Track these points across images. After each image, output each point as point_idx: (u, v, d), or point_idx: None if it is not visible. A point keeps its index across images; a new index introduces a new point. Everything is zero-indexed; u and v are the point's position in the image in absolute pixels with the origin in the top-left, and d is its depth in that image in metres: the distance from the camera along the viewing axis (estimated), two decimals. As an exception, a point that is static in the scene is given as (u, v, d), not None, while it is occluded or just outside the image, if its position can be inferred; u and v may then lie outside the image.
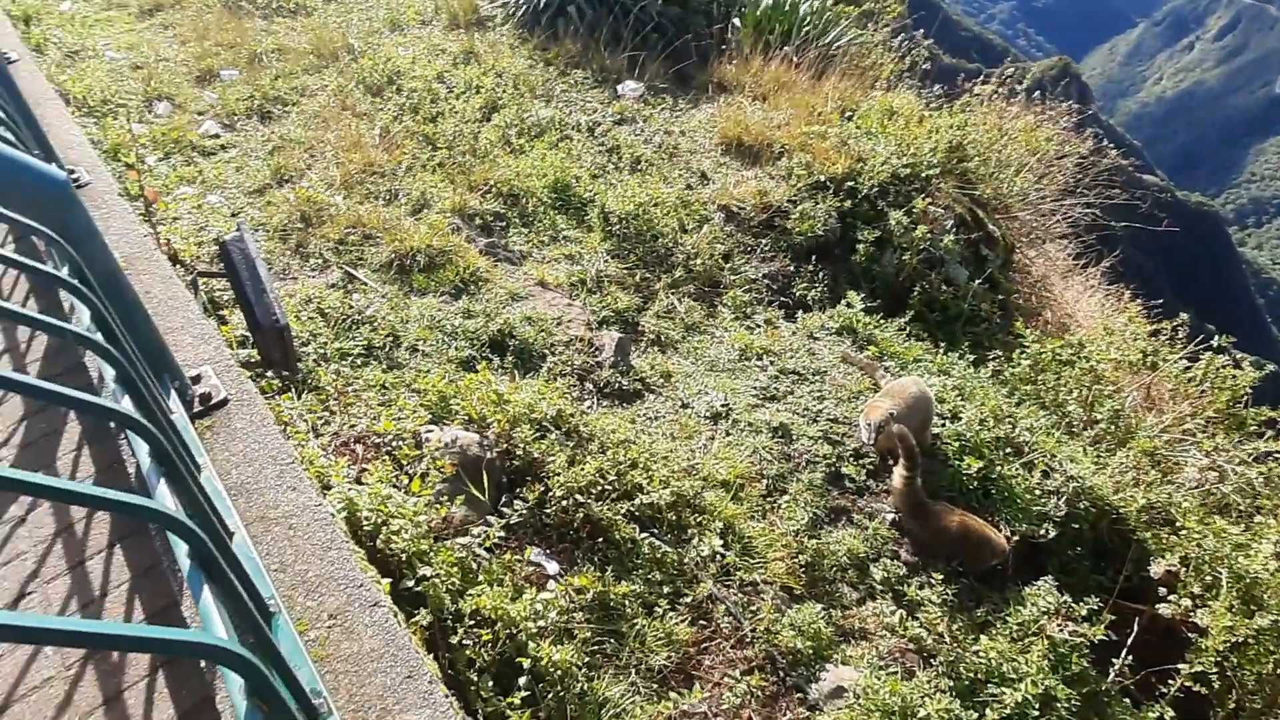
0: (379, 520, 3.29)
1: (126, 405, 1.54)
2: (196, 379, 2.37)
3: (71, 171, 3.77)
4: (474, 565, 3.48)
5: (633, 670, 3.62)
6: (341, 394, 4.44)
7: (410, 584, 3.18)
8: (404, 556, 3.26)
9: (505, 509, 3.79)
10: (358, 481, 3.60)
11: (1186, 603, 4.57)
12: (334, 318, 4.96)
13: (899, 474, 4.60)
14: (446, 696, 1.62)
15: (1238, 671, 4.60)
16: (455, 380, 4.54)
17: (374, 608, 1.76)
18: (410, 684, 1.62)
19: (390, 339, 4.95)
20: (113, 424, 2.40)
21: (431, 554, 3.31)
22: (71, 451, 2.59)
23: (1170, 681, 4.23)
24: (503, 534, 3.59)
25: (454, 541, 3.47)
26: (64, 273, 1.72)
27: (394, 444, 4.00)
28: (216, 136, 7.09)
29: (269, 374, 4.19)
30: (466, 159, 6.75)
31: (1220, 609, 4.44)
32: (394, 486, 3.62)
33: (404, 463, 3.86)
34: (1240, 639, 4.40)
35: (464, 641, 3.13)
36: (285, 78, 7.96)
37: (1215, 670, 4.31)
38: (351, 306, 5.10)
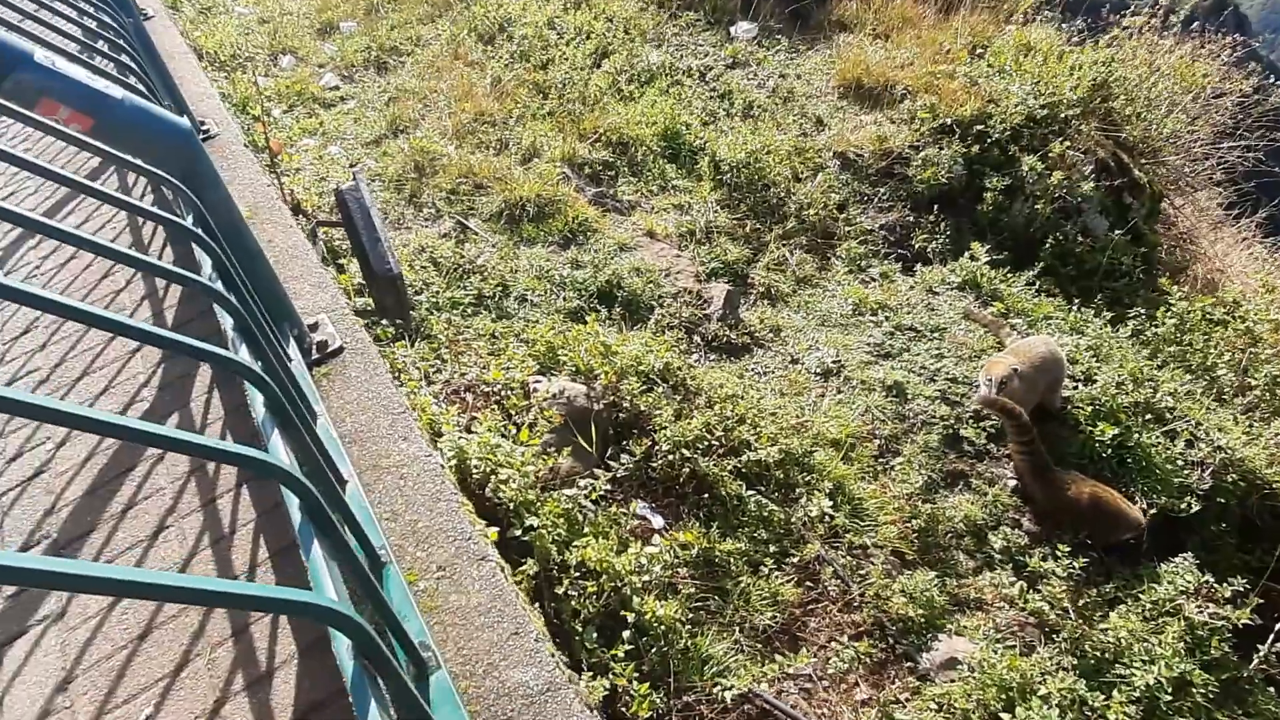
0: (488, 469, 3.32)
1: (244, 354, 1.55)
2: (314, 327, 2.41)
3: (202, 124, 3.91)
4: (580, 517, 3.49)
5: (736, 629, 3.57)
6: (453, 343, 4.51)
7: (518, 533, 3.21)
8: (511, 506, 3.29)
9: (612, 461, 3.78)
10: (467, 430, 3.65)
11: (1349, 590, 4.17)
12: (446, 267, 5.03)
13: (1011, 441, 4.36)
14: (552, 655, 1.60)
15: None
16: (563, 331, 4.53)
17: (481, 561, 1.76)
18: (516, 641, 1.61)
19: (500, 288, 4.99)
20: (238, 370, 2.48)
21: (539, 504, 3.33)
22: (203, 395, 2.72)
23: (1324, 673, 3.89)
24: (609, 487, 3.57)
25: (561, 492, 3.48)
26: (188, 221, 1.75)
27: (503, 394, 4.03)
28: (336, 88, 7.27)
29: (384, 322, 4.30)
30: (576, 107, 6.68)
31: (1390, 596, 4.03)
32: (502, 436, 3.66)
33: (512, 412, 3.90)
34: None
35: (569, 592, 3.15)
36: (400, 28, 8.06)
37: (1379, 662, 3.93)
38: (463, 256, 5.15)
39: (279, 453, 1.43)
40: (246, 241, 2.13)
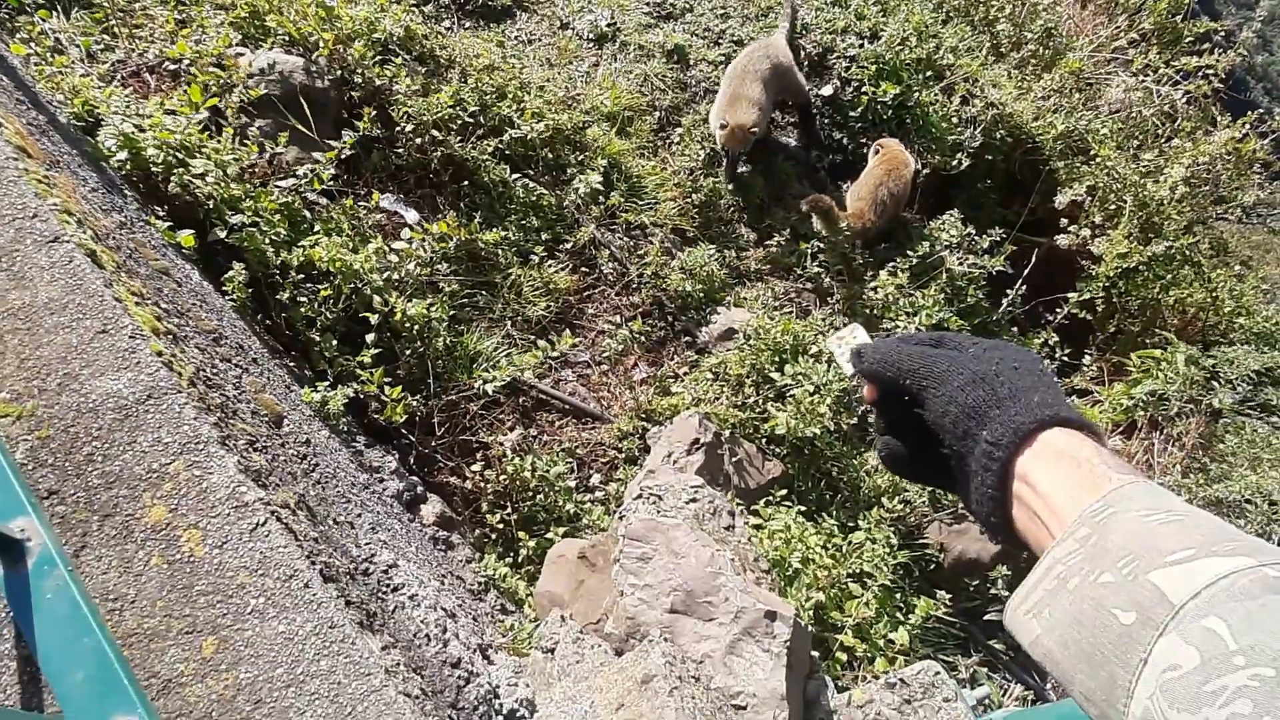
0: (171, 160, 2.65)
1: None
2: None
3: None
4: (307, 213, 2.94)
5: (508, 322, 3.31)
6: (124, 12, 3.49)
7: (223, 235, 2.64)
8: (212, 204, 2.68)
9: (333, 141, 3.14)
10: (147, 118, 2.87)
11: (1086, 232, 4.45)
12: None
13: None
14: (158, 355, 1.17)
15: (1123, 297, 4.65)
16: (269, -9, 3.59)
17: (52, 244, 1.25)
18: (105, 340, 1.17)
19: (183, -61, 3.85)
20: None
21: (247, 200, 2.74)
22: None
23: (1058, 310, 4.23)
24: (335, 172, 2.99)
25: (275, 184, 2.89)
26: None
27: (194, 72, 3.20)
28: None
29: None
30: None
31: (1119, 236, 4.34)
32: (203, 131, 2.91)
33: (212, 94, 3.11)
34: (1132, 265, 4.36)
35: (298, 298, 2.69)
36: None
37: (1102, 296, 4.31)
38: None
39: None
40: None
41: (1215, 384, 4.34)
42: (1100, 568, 0.53)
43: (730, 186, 4.05)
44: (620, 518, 1.98)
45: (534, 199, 3.57)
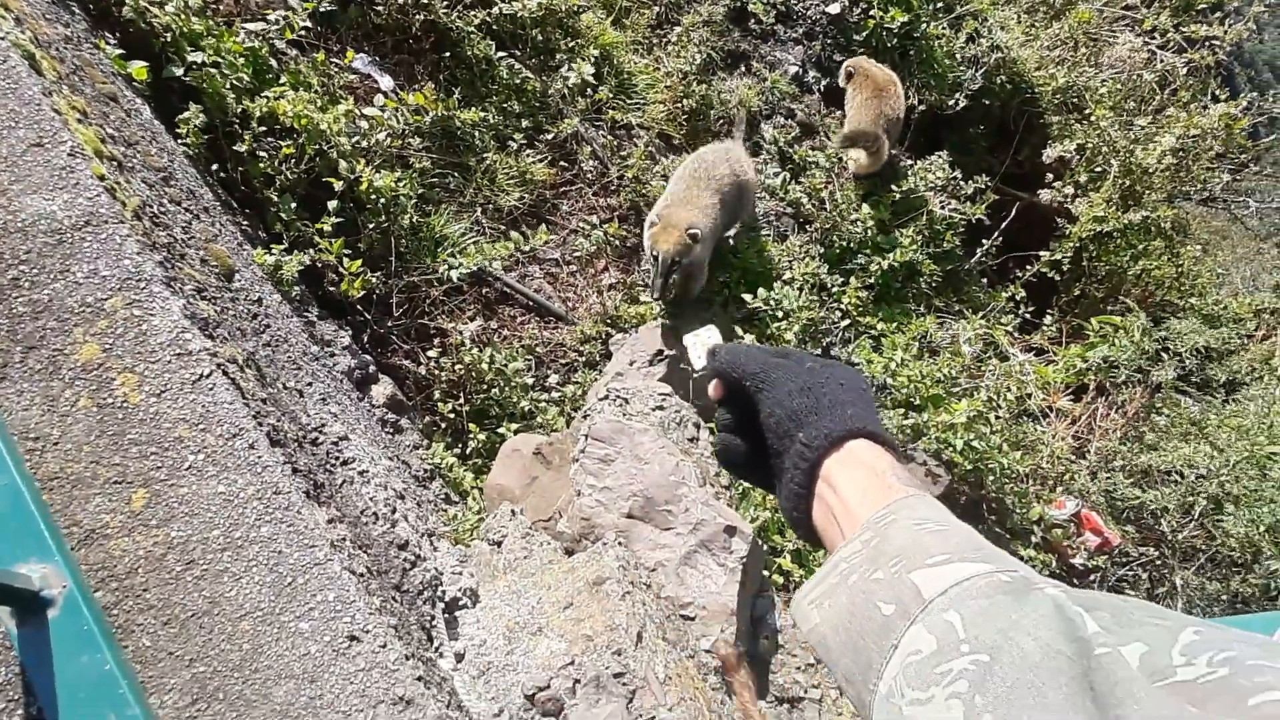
0: (128, -18, 2.40)
1: None
2: None
3: None
4: (273, 62, 2.73)
5: (478, 209, 3.16)
6: None
7: (179, 72, 2.43)
8: (169, 38, 2.46)
9: (315, -6, 2.91)
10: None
11: (1069, 190, 4.41)
12: None
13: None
14: (100, 180, 1.05)
15: (1093, 262, 4.66)
16: None
17: (-18, 39, 1.09)
18: (39, 155, 1.04)
19: None
20: None
21: (209, 37, 2.52)
22: None
23: (1028, 266, 4.21)
24: (308, 24, 2.77)
25: (241, 26, 2.66)
26: None
27: (158, -113, 2.89)
28: None
29: None
30: None
31: (1099, 199, 4.31)
32: None
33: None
34: (1106, 230, 4.36)
35: (257, 152, 2.51)
36: None
37: (1071, 258, 4.31)
38: None
39: None
40: None
41: (1164, 356, 4.42)
42: (876, 566, 0.59)
43: (658, 301, 3.14)
44: (585, 417, 1.93)
45: (518, 82, 3.37)
